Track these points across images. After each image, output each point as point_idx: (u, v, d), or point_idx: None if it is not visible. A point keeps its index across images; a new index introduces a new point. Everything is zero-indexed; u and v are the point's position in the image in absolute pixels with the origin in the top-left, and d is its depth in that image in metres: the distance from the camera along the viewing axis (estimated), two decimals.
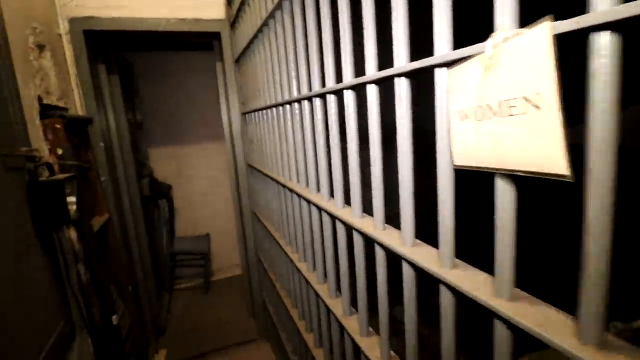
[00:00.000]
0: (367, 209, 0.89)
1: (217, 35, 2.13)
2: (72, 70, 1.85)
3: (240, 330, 2.64)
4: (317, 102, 1.05)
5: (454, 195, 0.56)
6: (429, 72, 0.57)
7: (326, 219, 1.10)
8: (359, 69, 0.80)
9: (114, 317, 1.49)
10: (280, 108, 1.40)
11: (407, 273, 0.70)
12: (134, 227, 2.29)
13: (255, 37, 1.60)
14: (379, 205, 0.79)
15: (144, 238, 2.43)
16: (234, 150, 2.40)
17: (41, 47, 1.47)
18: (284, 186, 1.48)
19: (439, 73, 0.53)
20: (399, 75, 0.64)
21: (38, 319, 1.09)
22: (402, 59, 0.63)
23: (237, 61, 2.14)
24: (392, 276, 0.85)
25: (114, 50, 2.34)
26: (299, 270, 1.44)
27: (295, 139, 1.27)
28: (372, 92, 0.75)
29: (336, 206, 1.00)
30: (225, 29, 2.12)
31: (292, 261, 1.52)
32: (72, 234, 1.37)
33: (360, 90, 0.83)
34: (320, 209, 1.14)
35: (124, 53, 2.80)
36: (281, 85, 1.35)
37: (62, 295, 1.28)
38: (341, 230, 1.00)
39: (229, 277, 3.64)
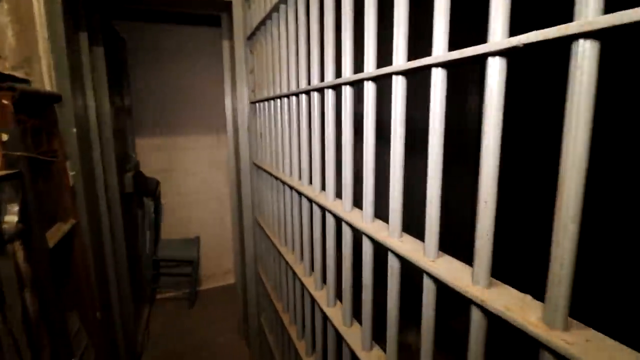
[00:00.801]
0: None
1: (226, 5, 1.75)
2: (41, 32, 1.45)
3: (231, 358, 2.26)
4: (370, 84, 0.69)
5: None
6: None
7: (394, 257, 0.74)
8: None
9: None
10: (304, 96, 1.04)
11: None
12: (110, 232, 1.89)
13: (276, 7, 1.24)
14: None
15: (121, 246, 2.03)
16: (238, 144, 2.02)
17: None
18: (312, 200, 1.11)
19: None
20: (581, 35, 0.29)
21: None
22: None
23: (250, 38, 1.77)
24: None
25: (100, 17, 1.94)
26: (317, 303, 1.08)
27: (340, 138, 0.91)
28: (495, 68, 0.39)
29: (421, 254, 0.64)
30: None
31: (311, 295, 1.16)
32: (18, 250, 0.98)
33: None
34: (380, 243, 0.78)
35: (114, 23, 2.39)
36: (309, 68, 0.99)
37: None
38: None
39: (219, 287, 3.25)
